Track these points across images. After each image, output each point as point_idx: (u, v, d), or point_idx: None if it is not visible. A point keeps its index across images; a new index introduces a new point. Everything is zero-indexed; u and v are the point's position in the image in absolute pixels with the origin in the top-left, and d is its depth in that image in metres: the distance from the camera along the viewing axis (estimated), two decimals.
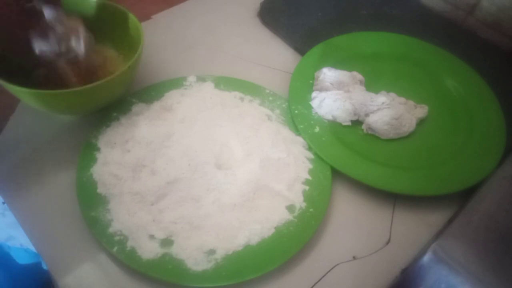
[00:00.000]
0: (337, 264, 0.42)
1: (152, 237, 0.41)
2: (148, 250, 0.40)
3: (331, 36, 0.61)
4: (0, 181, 0.47)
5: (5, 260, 0.66)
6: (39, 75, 0.47)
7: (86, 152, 0.47)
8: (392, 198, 0.47)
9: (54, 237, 0.43)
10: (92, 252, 0.41)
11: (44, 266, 0.72)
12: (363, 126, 0.52)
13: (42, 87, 0.42)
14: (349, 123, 0.52)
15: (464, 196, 0.45)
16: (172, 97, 0.53)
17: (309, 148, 0.49)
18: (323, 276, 0.41)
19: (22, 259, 0.73)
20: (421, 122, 0.53)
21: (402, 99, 0.53)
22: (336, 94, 0.52)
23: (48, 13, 0.42)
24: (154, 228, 0.41)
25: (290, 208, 0.44)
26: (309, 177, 0.47)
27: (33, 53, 0.43)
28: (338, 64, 0.57)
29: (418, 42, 0.62)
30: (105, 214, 0.42)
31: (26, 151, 0.50)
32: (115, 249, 0.40)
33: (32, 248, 0.73)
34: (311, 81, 0.56)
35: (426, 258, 0.36)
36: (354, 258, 0.43)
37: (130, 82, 0.52)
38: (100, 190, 0.44)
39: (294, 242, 0.42)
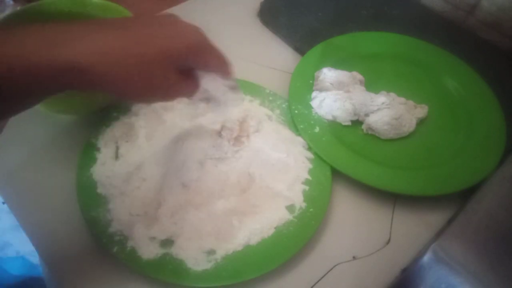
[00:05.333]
0: (337, 264, 0.42)
1: (152, 237, 0.41)
2: (148, 250, 0.40)
3: (331, 36, 0.61)
4: (0, 181, 0.47)
5: None
6: None
7: (86, 152, 0.47)
8: (392, 198, 0.47)
9: (54, 237, 0.43)
10: (92, 252, 0.41)
11: (39, 273, 0.71)
12: (363, 126, 0.52)
13: None
14: (349, 123, 0.52)
15: (464, 196, 0.45)
16: None
17: (309, 148, 0.49)
18: (323, 276, 0.41)
19: (17, 269, 0.72)
20: (421, 122, 0.53)
21: (402, 99, 0.53)
22: (336, 94, 0.52)
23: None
24: (155, 228, 0.41)
25: (290, 208, 0.44)
26: (309, 177, 0.47)
27: None
28: (338, 64, 0.57)
29: (418, 42, 0.62)
30: (105, 214, 0.42)
31: (26, 151, 0.50)
32: (115, 249, 0.40)
33: (28, 256, 0.72)
34: (311, 81, 0.56)
35: (426, 258, 0.36)
36: (354, 258, 0.43)
37: None
38: (100, 190, 0.44)
39: (294, 242, 0.42)
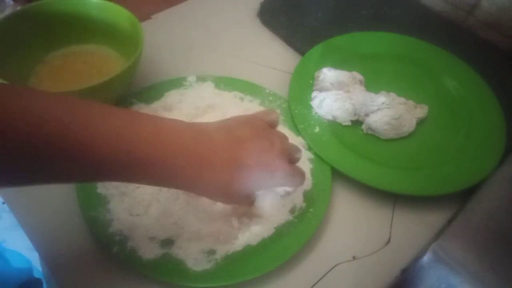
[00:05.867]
0: (337, 264, 0.42)
1: (152, 237, 0.41)
2: (148, 250, 0.40)
3: (331, 36, 0.61)
4: None
5: None
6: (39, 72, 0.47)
7: None
8: (392, 198, 0.47)
9: (54, 237, 0.43)
10: (92, 252, 0.41)
11: (36, 274, 0.71)
12: (363, 126, 0.52)
13: (42, 86, 0.42)
14: (349, 123, 0.52)
15: (464, 196, 0.45)
16: (172, 97, 0.53)
17: (309, 148, 0.49)
18: (323, 276, 0.41)
19: (16, 263, 0.73)
20: (421, 122, 0.53)
21: (402, 99, 0.53)
22: (336, 94, 0.52)
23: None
24: (155, 228, 0.41)
25: (290, 208, 0.44)
26: (309, 177, 0.47)
27: None
28: (338, 64, 0.57)
29: (418, 42, 0.62)
30: (105, 214, 0.42)
31: None
32: (115, 249, 0.40)
33: (25, 254, 0.72)
34: (311, 81, 0.56)
35: (426, 258, 0.36)
36: (354, 258, 0.43)
37: (130, 82, 0.52)
38: (100, 190, 0.44)
39: (294, 242, 0.42)
